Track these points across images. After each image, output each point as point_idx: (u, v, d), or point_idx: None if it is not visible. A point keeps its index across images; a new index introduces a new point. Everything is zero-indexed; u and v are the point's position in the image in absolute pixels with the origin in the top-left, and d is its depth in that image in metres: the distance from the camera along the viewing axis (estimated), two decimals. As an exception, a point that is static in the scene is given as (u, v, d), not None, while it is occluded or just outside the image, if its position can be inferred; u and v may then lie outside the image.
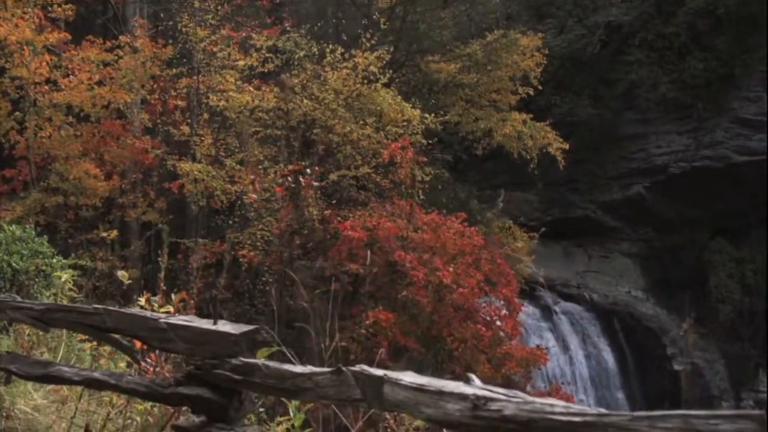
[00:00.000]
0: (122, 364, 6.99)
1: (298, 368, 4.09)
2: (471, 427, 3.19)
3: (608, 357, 28.51)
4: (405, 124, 20.94)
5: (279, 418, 7.18)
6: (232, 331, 4.49)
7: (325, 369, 3.90)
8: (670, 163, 29.76)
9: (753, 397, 29.31)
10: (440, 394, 3.29)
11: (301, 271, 21.30)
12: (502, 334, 19.87)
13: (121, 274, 6.69)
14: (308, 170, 18.74)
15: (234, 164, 20.41)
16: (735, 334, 29.58)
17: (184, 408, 5.27)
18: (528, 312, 27.56)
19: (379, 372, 3.62)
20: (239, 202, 20.15)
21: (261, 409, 7.50)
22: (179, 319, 4.80)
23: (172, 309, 7.83)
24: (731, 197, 28.53)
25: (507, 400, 3.04)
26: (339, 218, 20.13)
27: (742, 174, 28.61)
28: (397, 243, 19.74)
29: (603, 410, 2.76)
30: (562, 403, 2.90)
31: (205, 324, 4.65)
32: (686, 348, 27.38)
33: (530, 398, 3.02)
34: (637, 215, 29.89)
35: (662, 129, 30.18)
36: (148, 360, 6.67)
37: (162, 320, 4.77)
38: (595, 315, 29.07)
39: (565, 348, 28.11)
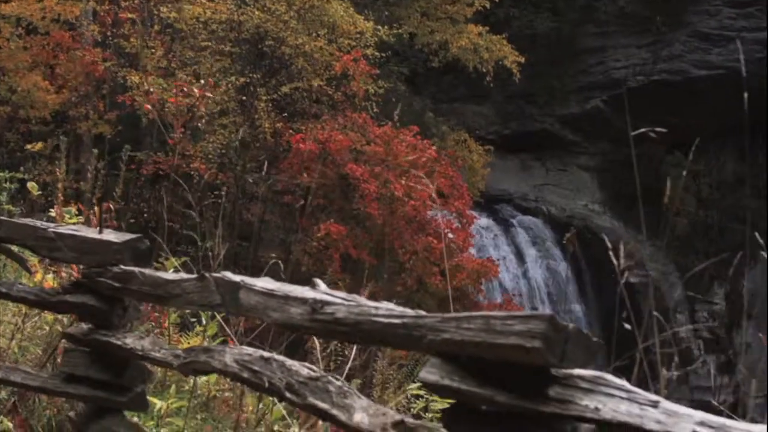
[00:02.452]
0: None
1: (169, 275, 4.18)
2: (310, 330, 3.29)
3: (565, 270, 28.81)
4: (358, 36, 20.79)
5: (198, 328, 7.30)
6: (115, 240, 4.56)
7: (191, 276, 3.98)
8: (628, 77, 29.77)
9: (707, 309, 29.86)
10: (286, 298, 3.38)
11: (254, 185, 21.34)
12: (453, 246, 20.06)
13: (31, 185, 6.70)
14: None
15: (186, 77, 20.22)
16: (690, 247, 29.97)
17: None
18: (485, 225, 27.76)
19: (237, 278, 3.71)
20: (191, 114, 20.00)
21: (193, 319, 7.62)
22: (66, 229, 4.85)
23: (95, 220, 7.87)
24: (689, 111, 28.61)
25: (341, 304, 3.13)
26: (291, 131, 20.09)
27: (700, 88, 28.72)
28: (349, 156, 19.78)
29: (422, 312, 2.85)
30: (387, 306, 2.99)
31: (91, 233, 4.71)
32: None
33: (363, 302, 3.10)
34: (595, 129, 29.96)
35: (621, 42, 30.15)
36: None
37: (50, 230, 4.82)
38: (552, 228, 29.29)
39: (522, 261, 28.38)
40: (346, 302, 3.13)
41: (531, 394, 2.54)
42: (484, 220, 27.71)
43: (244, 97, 20.32)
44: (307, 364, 3.54)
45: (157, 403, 5.69)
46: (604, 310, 27.52)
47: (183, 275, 4.09)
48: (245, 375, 3.63)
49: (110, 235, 4.63)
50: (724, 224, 29.83)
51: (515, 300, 22.83)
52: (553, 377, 2.55)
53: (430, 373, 2.72)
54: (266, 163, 19.73)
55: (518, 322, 2.48)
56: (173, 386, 5.83)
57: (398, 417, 2.98)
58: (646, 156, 29.37)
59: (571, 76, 30.34)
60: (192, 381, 6.57)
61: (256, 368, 3.60)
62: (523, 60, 23.92)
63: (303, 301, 3.28)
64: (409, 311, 2.88)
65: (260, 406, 5.82)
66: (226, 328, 5.52)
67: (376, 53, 21.05)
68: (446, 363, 2.72)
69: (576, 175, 30.64)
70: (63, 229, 4.82)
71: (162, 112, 20.04)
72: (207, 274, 3.84)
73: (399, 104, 21.38)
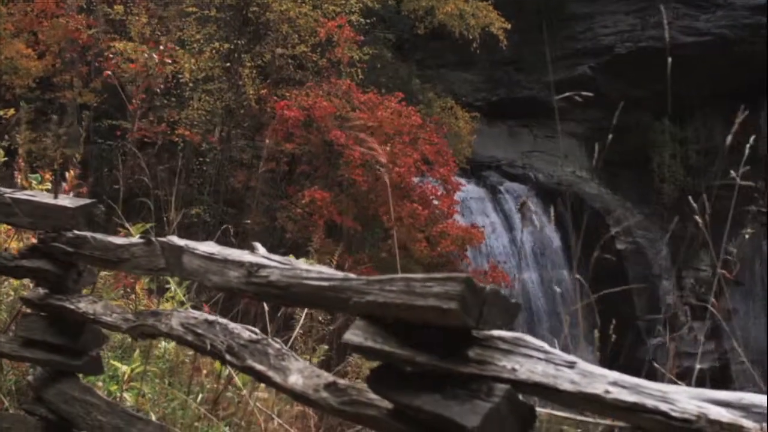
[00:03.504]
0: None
1: (119, 240, 4.20)
2: (246, 293, 3.32)
3: (552, 236, 28.86)
4: (343, 2, 20.75)
5: (168, 293, 7.32)
6: (69, 205, 4.58)
7: (139, 240, 4.00)
8: (616, 44, 29.72)
9: (694, 276, 29.96)
10: (225, 262, 3.41)
11: (240, 151, 21.34)
12: (438, 212, 20.11)
13: (-6, 153, 6.71)
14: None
15: (170, 43, 20.14)
16: (678, 213, 30.00)
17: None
18: (473, 191, 27.79)
19: (181, 242, 3.73)
20: (175, 81, 19.98)
21: (168, 285, 7.64)
22: (23, 194, 4.87)
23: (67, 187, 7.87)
24: (676, 78, 28.46)
25: (275, 267, 3.16)
26: (276, 98, 20.06)
27: (688, 55, 28.62)
28: (334, 122, 19.76)
29: (351, 275, 2.88)
30: (318, 269, 3.02)
31: (46, 198, 4.73)
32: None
33: (297, 265, 3.13)
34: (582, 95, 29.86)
35: (609, 9, 30.04)
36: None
37: (7, 195, 4.83)
38: (540, 195, 29.30)
39: (510, 227, 28.40)
40: (280, 266, 3.16)
41: (451, 355, 2.57)
42: (471, 187, 27.73)
43: (228, 64, 20.28)
44: (249, 327, 3.57)
45: (121, 368, 5.74)
46: (592, 276, 27.51)
47: (131, 240, 4.12)
48: (189, 338, 3.67)
49: (65, 201, 4.66)
50: (711, 191, 29.86)
51: (502, 266, 22.84)
52: (474, 338, 2.58)
53: (354, 335, 2.76)
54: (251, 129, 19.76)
55: (436, 284, 2.50)
56: (137, 351, 5.86)
57: (331, 379, 3.03)
58: (634, 123, 29.38)
59: (558, 42, 30.20)
60: (162, 346, 6.64)
61: (199, 331, 3.64)
62: (509, 26, 23.82)
63: (240, 264, 3.31)
64: (338, 274, 2.91)
65: (227, 371, 5.87)
66: (180, 291, 5.53)
67: (362, 19, 21.01)
68: (371, 325, 2.75)
69: (563, 142, 30.57)
70: (19, 195, 4.84)
71: (146, 78, 20.03)
72: (153, 239, 3.86)
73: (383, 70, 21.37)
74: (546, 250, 28.76)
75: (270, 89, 20.21)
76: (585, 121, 30.17)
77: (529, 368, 2.45)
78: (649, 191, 29.75)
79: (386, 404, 2.79)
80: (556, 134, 30.47)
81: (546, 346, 2.52)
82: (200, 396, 5.03)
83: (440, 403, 2.56)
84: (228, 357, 3.42)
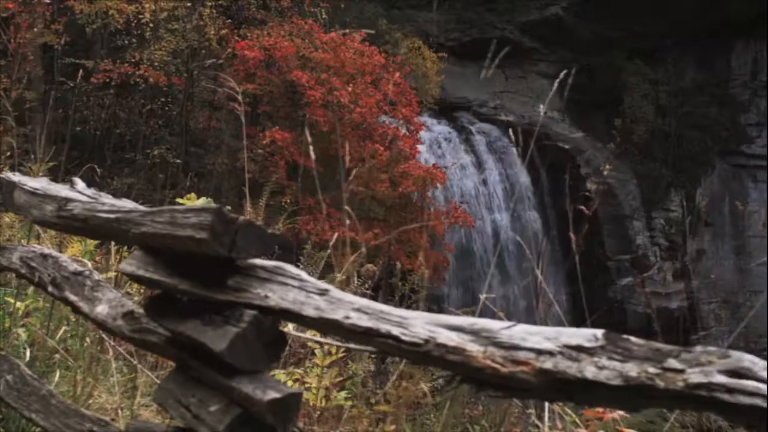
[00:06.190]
0: None
1: (-29, 177, 4.29)
2: (57, 226, 3.44)
3: (523, 177, 28.94)
4: (306, -61, 20.64)
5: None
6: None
7: (-17, 178, 4.10)
8: (589, -17, 29.58)
9: (664, 216, 30.13)
10: (44, 197, 3.51)
11: (207, 92, 21.33)
12: (400, 153, 20.14)
13: None
14: None
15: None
16: (648, 154, 30.15)
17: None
18: (444, 132, 27.83)
19: (15, 178, 3.82)
20: (136, 21, 19.88)
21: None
22: None
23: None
24: (649, 18, 28.52)
25: (79, 202, 3.26)
26: (237, 38, 20.00)
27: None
28: (296, 63, 19.72)
29: (139, 208, 2.97)
30: (113, 202, 3.11)
31: None
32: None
33: (102, 200, 3.23)
34: (554, 36, 29.79)
35: (581, -54, 29.87)
36: None
37: None
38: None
39: (481, 168, 28.47)
40: (85, 199, 3.26)
41: (211, 283, 2.68)
42: (443, 128, 27.78)
43: (189, 3, 20.19)
44: (80, 259, 3.69)
45: (15, 304, 5.84)
46: (561, 216, 27.71)
47: (-21, 176, 4.21)
48: (23, 271, 3.79)
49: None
50: (681, 132, 29.95)
51: (465, 207, 22.90)
52: (237, 268, 2.69)
53: (129, 264, 2.87)
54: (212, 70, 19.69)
55: (194, 215, 2.60)
56: (31, 288, 5.94)
57: (131, 308, 3.15)
58: (606, 64, 29.37)
59: (530, -18, 30.10)
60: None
61: (33, 264, 3.75)
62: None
63: (54, 199, 3.41)
64: (126, 207, 3.00)
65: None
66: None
67: (325, -42, 20.91)
68: (147, 255, 2.87)
69: (535, 83, 30.56)
70: None
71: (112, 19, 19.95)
72: (-6, 175, 3.96)
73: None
74: (516, 190, 28.84)
75: (231, 29, 20.13)
76: (557, 62, 30.18)
77: (281, 295, 2.56)
78: (620, 131, 29.78)
79: (166, 331, 2.91)
80: (527, 75, 30.46)
81: (303, 275, 2.62)
82: (60, 332, 5.15)
83: (199, 328, 2.68)
84: (50, 288, 3.54)
